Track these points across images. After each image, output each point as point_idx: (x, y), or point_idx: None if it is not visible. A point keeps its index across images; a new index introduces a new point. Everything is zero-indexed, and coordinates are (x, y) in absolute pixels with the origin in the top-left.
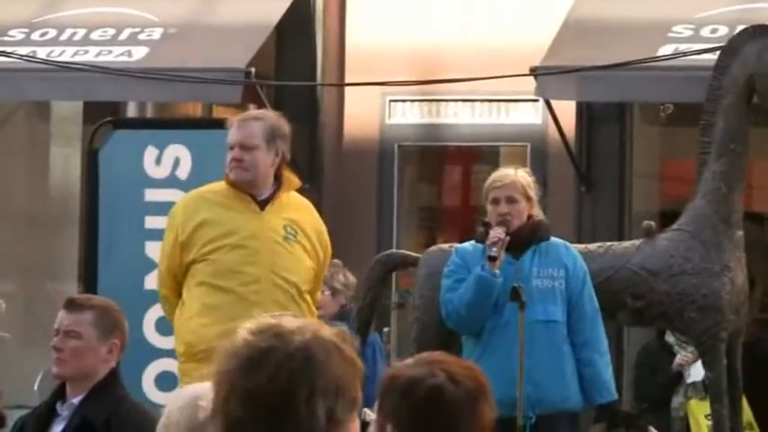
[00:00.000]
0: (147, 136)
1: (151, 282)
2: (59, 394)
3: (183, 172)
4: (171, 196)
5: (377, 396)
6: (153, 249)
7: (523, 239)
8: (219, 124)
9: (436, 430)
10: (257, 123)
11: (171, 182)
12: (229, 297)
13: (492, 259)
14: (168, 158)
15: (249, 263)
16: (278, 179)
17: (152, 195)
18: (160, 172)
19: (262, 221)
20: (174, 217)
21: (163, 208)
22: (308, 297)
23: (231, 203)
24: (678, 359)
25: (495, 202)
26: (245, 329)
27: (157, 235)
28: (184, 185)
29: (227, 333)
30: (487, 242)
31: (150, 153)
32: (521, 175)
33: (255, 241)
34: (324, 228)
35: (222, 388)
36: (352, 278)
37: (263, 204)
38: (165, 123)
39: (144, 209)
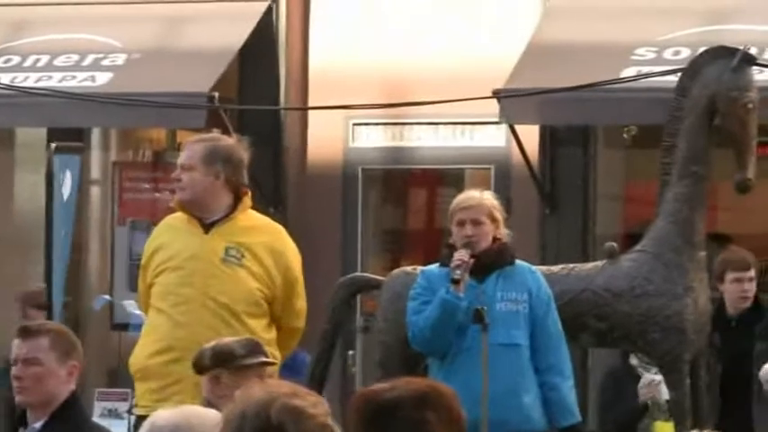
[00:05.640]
0: (65, 160)
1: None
2: (21, 420)
3: (66, 195)
4: (58, 219)
5: None
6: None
7: (488, 263)
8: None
9: None
10: (198, 145)
11: (59, 205)
12: (163, 318)
13: (455, 282)
14: (66, 182)
15: (184, 284)
16: (235, 203)
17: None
18: (63, 195)
19: (202, 243)
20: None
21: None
22: (248, 320)
23: (182, 227)
24: (642, 395)
25: (461, 224)
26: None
27: None
28: (65, 207)
29: (160, 352)
30: (451, 265)
31: (62, 177)
32: (486, 198)
33: (193, 263)
34: (287, 250)
35: None
36: None
37: (209, 227)
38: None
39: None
